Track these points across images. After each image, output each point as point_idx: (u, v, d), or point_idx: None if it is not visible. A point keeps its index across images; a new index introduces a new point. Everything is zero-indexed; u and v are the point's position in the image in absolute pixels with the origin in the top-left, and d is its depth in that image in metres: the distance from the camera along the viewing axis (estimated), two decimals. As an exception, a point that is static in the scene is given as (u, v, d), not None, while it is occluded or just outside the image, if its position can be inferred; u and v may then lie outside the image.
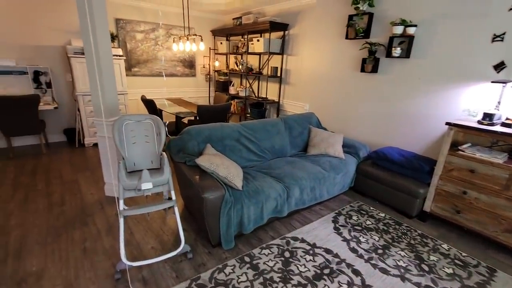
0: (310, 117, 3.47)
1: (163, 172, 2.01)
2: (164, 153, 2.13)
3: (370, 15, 3.13)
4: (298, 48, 4.22)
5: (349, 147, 3.21)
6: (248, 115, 5.13)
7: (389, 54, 2.99)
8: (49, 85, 4.23)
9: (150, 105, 3.80)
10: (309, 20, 3.95)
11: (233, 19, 5.10)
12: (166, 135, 2.24)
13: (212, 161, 2.19)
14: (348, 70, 3.53)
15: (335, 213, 2.71)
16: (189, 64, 5.55)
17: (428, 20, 2.70)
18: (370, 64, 3.21)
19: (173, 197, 2.03)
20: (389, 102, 3.17)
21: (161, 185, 2.04)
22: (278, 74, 4.54)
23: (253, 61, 5.18)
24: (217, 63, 5.71)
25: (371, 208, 2.84)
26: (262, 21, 4.19)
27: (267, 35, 4.64)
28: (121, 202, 1.88)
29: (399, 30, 2.85)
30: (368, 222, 2.57)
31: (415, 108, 2.94)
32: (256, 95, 5.22)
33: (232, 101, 5.26)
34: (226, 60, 5.83)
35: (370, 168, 2.95)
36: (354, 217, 2.64)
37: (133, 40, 4.78)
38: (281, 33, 4.41)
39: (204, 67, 5.76)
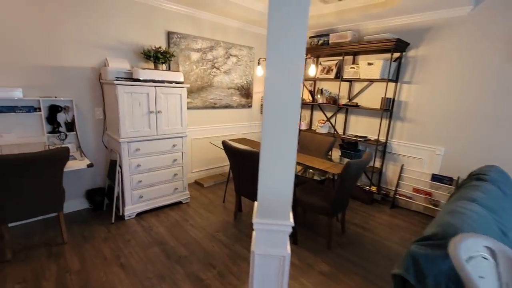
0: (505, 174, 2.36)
1: None
2: None
3: None
4: (423, 74, 3.20)
5: None
6: (329, 157, 3.91)
7: None
8: (70, 126, 2.72)
9: (248, 160, 2.41)
10: (450, 40, 2.97)
11: (311, 37, 4.03)
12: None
13: None
14: (539, 105, 2.53)
15: None
16: (246, 92, 4.30)
17: None
18: None
19: None
20: None
21: None
22: (389, 107, 3.46)
23: (333, 89, 4.08)
24: (279, 91, 4.52)
25: None
26: (382, 39, 3.12)
27: (364, 58, 3.58)
28: None
29: None
30: None
31: None
32: (341, 132, 4.07)
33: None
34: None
35: None
36: None
37: (187, 61, 3.47)
38: (391, 55, 3.39)
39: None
